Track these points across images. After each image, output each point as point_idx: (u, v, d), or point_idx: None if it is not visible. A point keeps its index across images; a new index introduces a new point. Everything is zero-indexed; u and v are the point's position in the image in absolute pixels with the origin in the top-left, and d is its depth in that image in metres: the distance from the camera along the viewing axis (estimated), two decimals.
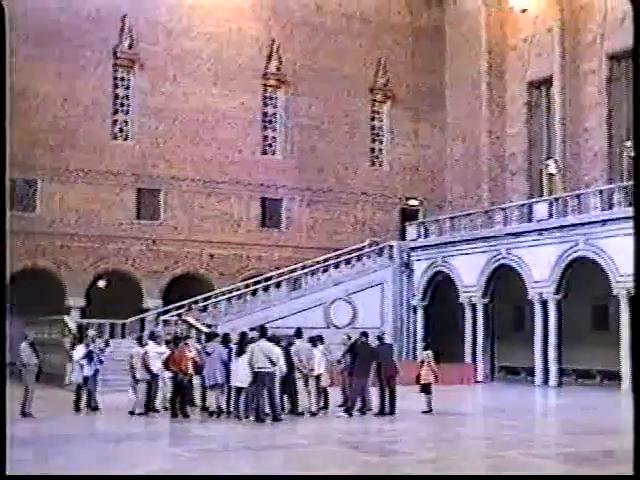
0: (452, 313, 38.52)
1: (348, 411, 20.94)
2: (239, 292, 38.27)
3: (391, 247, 40.74)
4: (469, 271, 37.38)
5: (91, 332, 24.91)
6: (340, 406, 21.52)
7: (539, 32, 42.14)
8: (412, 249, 40.57)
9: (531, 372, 35.10)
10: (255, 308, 37.17)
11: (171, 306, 37.65)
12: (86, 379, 22.08)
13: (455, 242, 38.46)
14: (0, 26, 9.22)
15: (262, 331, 20.24)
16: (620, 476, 11.49)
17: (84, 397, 22.29)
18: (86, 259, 39.49)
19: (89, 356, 22.14)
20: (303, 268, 40.09)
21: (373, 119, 46.59)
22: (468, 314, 37.62)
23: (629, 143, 37.92)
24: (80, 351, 22.45)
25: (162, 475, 13.27)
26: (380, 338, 22.34)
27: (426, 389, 21.91)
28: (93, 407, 21.98)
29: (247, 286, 39.15)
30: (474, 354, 37.03)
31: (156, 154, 41.36)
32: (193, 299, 37.52)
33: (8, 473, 9.09)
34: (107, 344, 23.81)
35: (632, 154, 37.36)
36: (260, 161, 43.73)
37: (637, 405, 8.75)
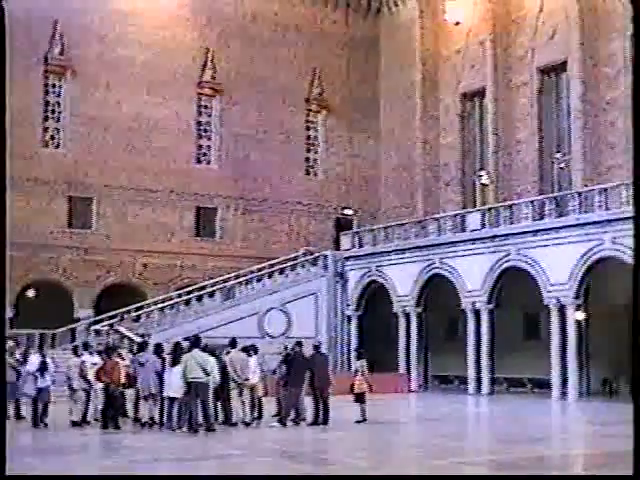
0: (386, 323, 38.68)
1: (282, 421, 20.84)
2: (172, 302, 37.94)
3: (325, 257, 40.79)
4: (403, 281, 37.58)
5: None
6: (274, 416, 21.42)
7: (472, 45, 42.65)
8: (346, 259, 40.67)
9: (464, 381, 35.41)
10: (188, 318, 36.89)
11: (103, 316, 37.18)
12: (40, 391, 21.14)
13: (389, 252, 38.64)
14: (0, 26, 9.22)
15: (196, 341, 20.07)
16: (620, 476, 11.60)
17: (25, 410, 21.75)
18: (15, 268, 38.68)
19: (43, 367, 21.31)
20: (237, 277, 39.91)
21: (308, 129, 46.67)
22: (402, 323, 37.80)
23: (559, 154, 38.61)
24: (34, 362, 21.74)
25: (162, 475, 13.22)
26: (316, 347, 22.32)
27: (360, 398, 21.92)
28: (44, 423, 21.10)
29: (180, 296, 38.85)
30: (408, 363, 37.22)
31: (88, 162, 40.83)
32: (125, 309, 37.09)
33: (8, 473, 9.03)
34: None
35: (562, 165, 38.07)
36: (194, 170, 43.47)
37: (637, 406, 8.86)
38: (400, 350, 37.55)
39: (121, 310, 36.79)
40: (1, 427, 9.32)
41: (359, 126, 47.31)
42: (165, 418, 20.09)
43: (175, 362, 19.64)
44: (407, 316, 37.61)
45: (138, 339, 30.74)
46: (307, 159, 46.61)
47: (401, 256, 37.93)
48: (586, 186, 34.05)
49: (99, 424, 20.54)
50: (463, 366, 34.97)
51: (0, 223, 9.39)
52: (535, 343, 34.33)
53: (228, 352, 21.24)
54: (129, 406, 21.65)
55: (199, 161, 43.97)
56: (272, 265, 40.89)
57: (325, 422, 20.98)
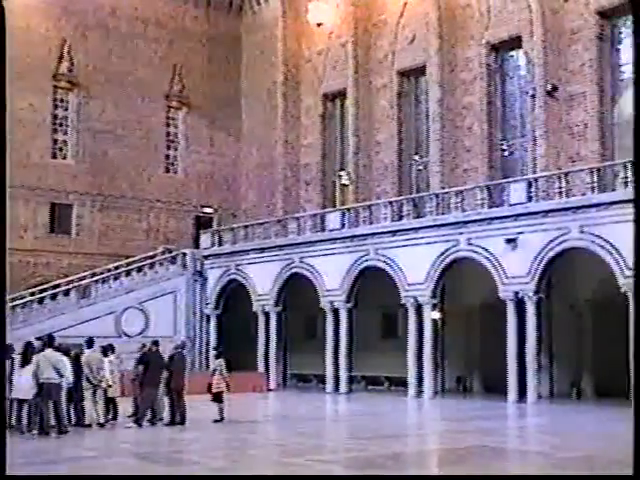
0: (246, 322, 38.55)
1: (138, 422, 20.48)
2: (25, 300, 36.70)
3: (185, 255, 40.34)
4: (263, 280, 37.51)
5: None
6: (130, 417, 21.01)
7: (334, 46, 42.96)
8: (206, 257, 40.32)
9: (322, 379, 35.63)
10: (42, 317, 35.82)
11: None
12: None
13: (249, 250, 38.53)
14: (0, 26, 9.26)
15: (49, 340, 19.46)
16: (620, 476, 11.75)
17: None
18: None
19: None
20: (93, 276, 38.98)
21: (168, 125, 46.02)
22: (261, 322, 37.74)
23: (417, 157, 39.38)
24: None
25: (164, 475, 13.10)
26: (178, 347, 22.07)
27: (218, 398, 21.79)
28: None
29: (33, 294, 37.62)
30: (267, 362, 37.16)
31: None
32: None
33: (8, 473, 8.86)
34: None
35: (420, 167, 38.83)
36: (50, 165, 42.23)
37: (637, 407, 8.98)
38: (259, 349, 37.47)
39: None
40: (1, 427, 9.45)
41: (220, 124, 47.02)
42: (14, 421, 19.38)
43: (25, 362, 18.96)
44: (266, 315, 37.58)
45: None
46: (167, 156, 45.98)
47: (261, 255, 37.87)
48: (443, 188, 34.80)
49: None
50: (322, 365, 35.17)
51: (0, 225, 9.49)
52: (392, 342, 34.85)
53: (82, 352, 20.74)
54: None
55: (55, 156, 42.74)
56: (130, 263, 40.14)
57: (182, 422, 20.76)
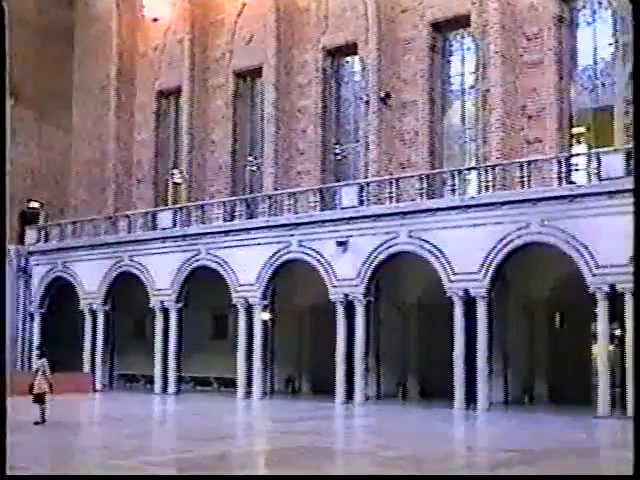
0: (72, 321, 37.50)
1: None
2: None
3: (8, 251, 38.83)
4: (91, 278, 36.63)
5: None
6: None
7: (170, 42, 42.37)
8: (31, 253, 39.04)
9: (151, 380, 35.11)
10: None
11: None
12: None
13: (77, 247, 37.55)
14: (0, 26, 9.25)
15: None
16: (620, 476, 11.75)
17: None
18: None
19: None
20: None
21: None
22: (88, 322, 36.83)
23: (251, 158, 39.38)
24: None
25: (163, 475, 12.98)
26: None
27: (40, 399, 21.11)
28: None
29: None
30: (93, 362, 36.32)
31: None
32: None
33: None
34: None
35: (254, 168, 38.86)
36: None
37: (637, 407, 9.01)
38: (85, 349, 36.57)
39: None
40: (1, 427, 9.17)
41: (50, 117, 45.49)
42: None
43: None
44: (94, 314, 36.72)
45: None
46: None
47: (90, 252, 36.96)
48: (276, 190, 34.94)
49: None
50: (150, 365, 34.67)
51: (0, 223, 9.53)
52: (222, 343, 34.73)
53: None
54: None
55: None
56: None
57: None
